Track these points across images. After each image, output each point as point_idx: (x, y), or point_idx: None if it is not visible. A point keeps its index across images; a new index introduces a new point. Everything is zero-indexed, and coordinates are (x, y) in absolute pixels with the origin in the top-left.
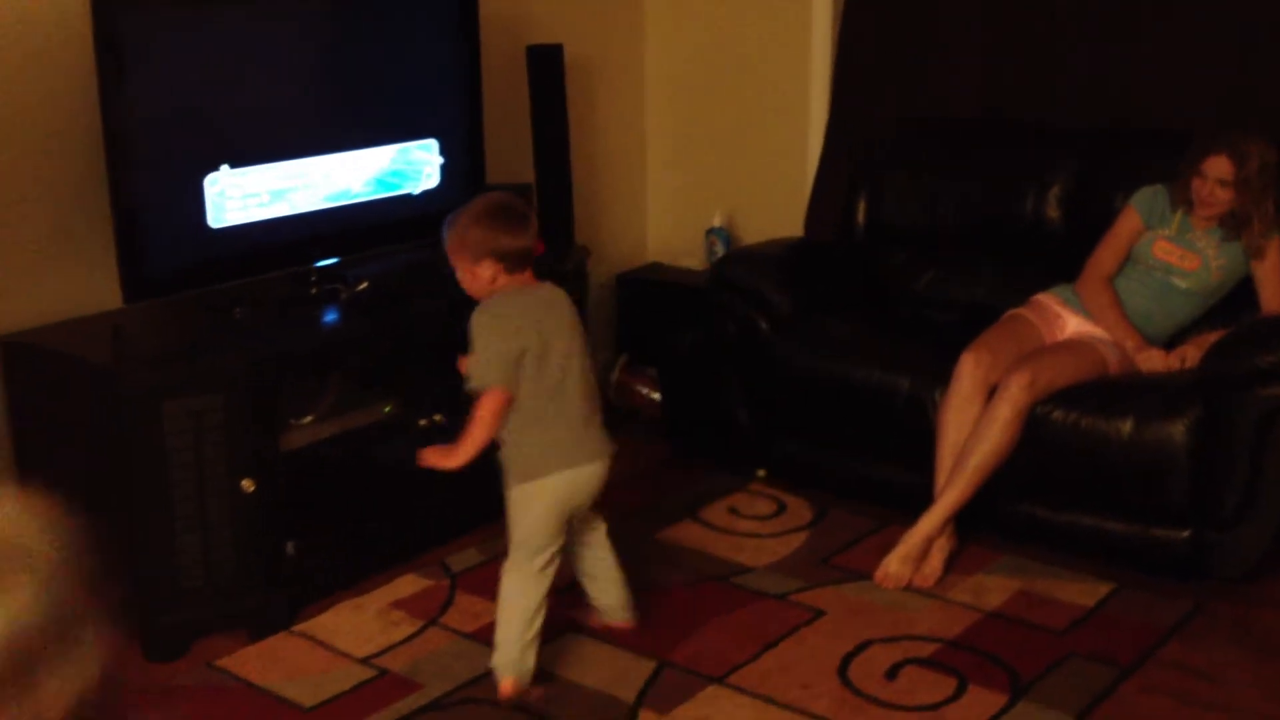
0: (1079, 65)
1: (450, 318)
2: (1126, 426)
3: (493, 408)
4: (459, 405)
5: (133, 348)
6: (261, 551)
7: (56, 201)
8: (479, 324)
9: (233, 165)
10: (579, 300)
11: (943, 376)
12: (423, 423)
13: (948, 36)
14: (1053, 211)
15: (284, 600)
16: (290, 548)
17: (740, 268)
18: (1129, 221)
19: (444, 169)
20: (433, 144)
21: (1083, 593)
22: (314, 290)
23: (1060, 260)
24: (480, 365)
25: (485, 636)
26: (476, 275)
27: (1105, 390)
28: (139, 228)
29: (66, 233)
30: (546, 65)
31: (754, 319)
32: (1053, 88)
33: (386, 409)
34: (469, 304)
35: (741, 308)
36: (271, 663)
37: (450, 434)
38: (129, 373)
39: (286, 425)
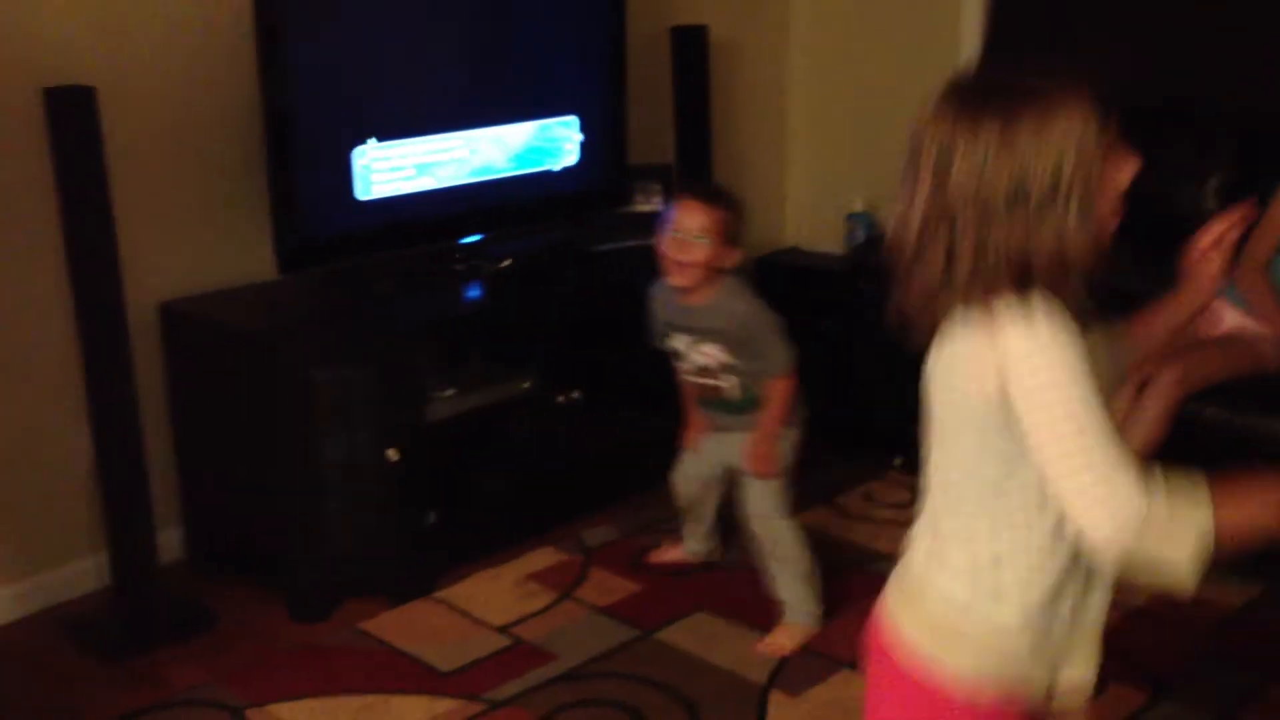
0: (1238, 46)
1: (589, 296)
2: None
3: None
4: (596, 382)
5: (285, 317)
6: (404, 519)
7: (218, 177)
8: (761, 310)
9: (380, 139)
10: None
11: None
12: (560, 399)
13: (1104, 17)
14: (1210, 199)
15: (424, 567)
16: (432, 517)
17: (879, 251)
18: None
19: (586, 147)
20: (574, 121)
21: (1229, 594)
22: (458, 266)
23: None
24: (784, 349)
25: (618, 611)
26: (725, 257)
27: (1263, 387)
28: (292, 200)
29: (225, 206)
30: (690, 46)
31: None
32: (1216, 69)
33: (525, 385)
34: (611, 283)
35: (881, 294)
36: (411, 627)
37: (589, 411)
38: (281, 341)
39: (429, 397)
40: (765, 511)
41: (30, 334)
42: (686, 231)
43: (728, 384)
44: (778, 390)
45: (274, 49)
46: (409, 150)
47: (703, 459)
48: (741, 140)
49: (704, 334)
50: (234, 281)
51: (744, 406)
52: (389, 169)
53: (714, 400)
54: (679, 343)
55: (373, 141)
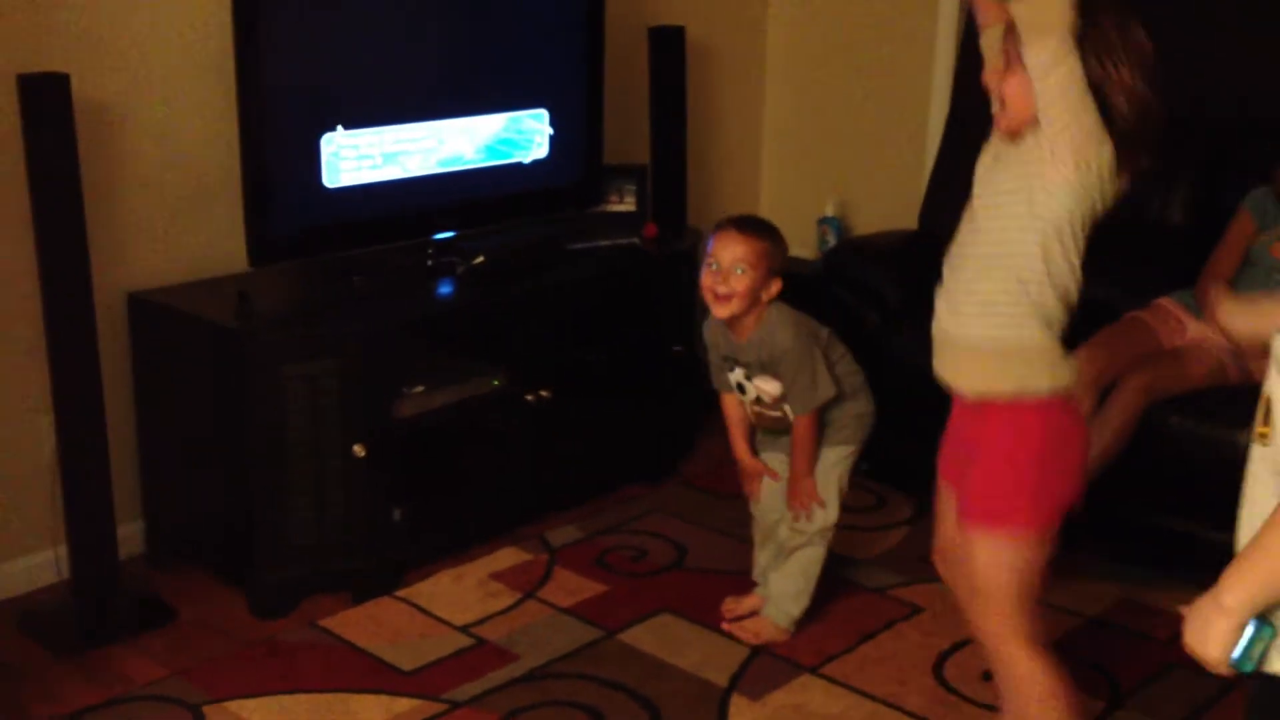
0: (1206, 59)
1: (561, 295)
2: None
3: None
4: (566, 382)
5: (255, 310)
6: (369, 516)
7: (192, 167)
8: (806, 342)
9: (347, 127)
10: (690, 284)
11: None
12: (530, 398)
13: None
14: (1177, 212)
15: (388, 565)
16: (397, 514)
17: (852, 258)
18: (1242, 224)
19: (560, 144)
20: (544, 114)
21: (1188, 603)
22: (431, 262)
23: (1187, 262)
24: (815, 387)
25: (581, 611)
26: (770, 288)
27: (1226, 397)
28: (265, 190)
29: (198, 197)
30: (668, 47)
31: (864, 311)
32: (1185, 81)
33: (495, 382)
34: (584, 283)
35: (851, 300)
36: (373, 625)
37: (558, 411)
38: (250, 334)
39: (398, 394)
40: (808, 528)
41: None
42: (724, 263)
43: (786, 412)
44: (799, 430)
45: (250, 35)
46: (377, 138)
47: (767, 508)
48: (717, 142)
49: (752, 364)
50: (205, 273)
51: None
52: (356, 156)
53: (782, 431)
54: (737, 375)
55: (340, 129)
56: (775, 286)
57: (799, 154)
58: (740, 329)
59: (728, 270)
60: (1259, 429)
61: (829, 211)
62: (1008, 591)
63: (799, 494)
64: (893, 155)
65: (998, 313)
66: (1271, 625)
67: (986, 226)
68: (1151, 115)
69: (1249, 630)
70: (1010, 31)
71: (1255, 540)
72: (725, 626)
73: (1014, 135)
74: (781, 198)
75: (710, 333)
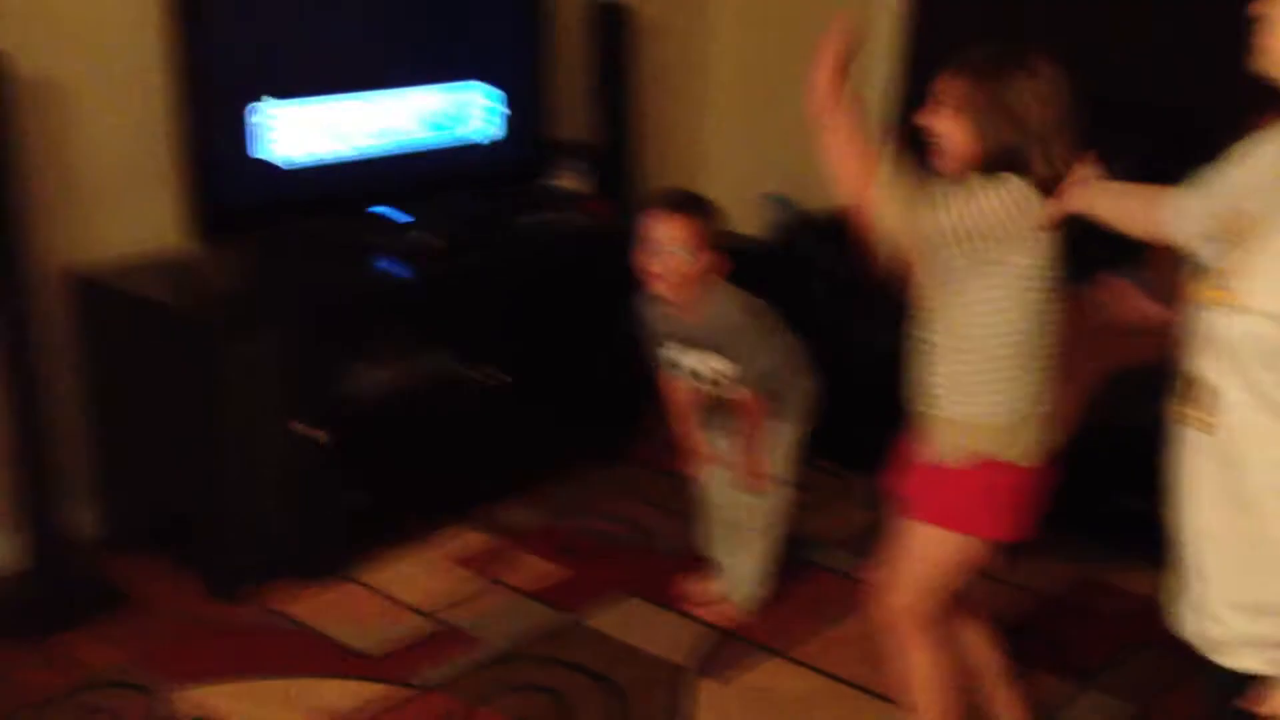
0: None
1: (513, 272)
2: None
3: None
4: (520, 363)
5: (200, 289)
6: (324, 499)
7: (128, 142)
8: (753, 317)
9: (278, 96)
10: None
11: None
12: (484, 379)
13: (1018, 15)
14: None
15: (344, 549)
16: (353, 497)
17: (799, 235)
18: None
19: (504, 117)
20: (485, 88)
21: (1149, 583)
22: (378, 239)
23: (1126, 249)
24: (764, 359)
25: (544, 595)
26: (704, 264)
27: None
28: (202, 163)
29: (138, 172)
30: (612, 24)
31: (813, 287)
32: (1129, 66)
33: (449, 364)
34: (535, 258)
35: (800, 275)
36: (330, 609)
37: (514, 392)
38: (197, 315)
39: (350, 374)
40: (761, 505)
41: None
42: (659, 243)
43: (735, 394)
44: (751, 406)
45: (185, 5)
46: (315, 111)
47: (716, 491)
48: (661, 120)
49: (699, 344)
50: (149, 251)
51: None
52: (293, 129)
53: (721, 410)
54: (676, 354)
55: (269, 99)
56: (713, 260)
57: (745, 129)
58: (688, 309)
59: (662, 249)
60: (1199, 415)
61: (775, 188)
62: (928, 577)
63: (752, 471)
64: None
65: None
66: None
67: None
68: (1067, 146)
69: None
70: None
71: None
72: (688, 608)
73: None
74: (728, 173)
75: (645, 311)
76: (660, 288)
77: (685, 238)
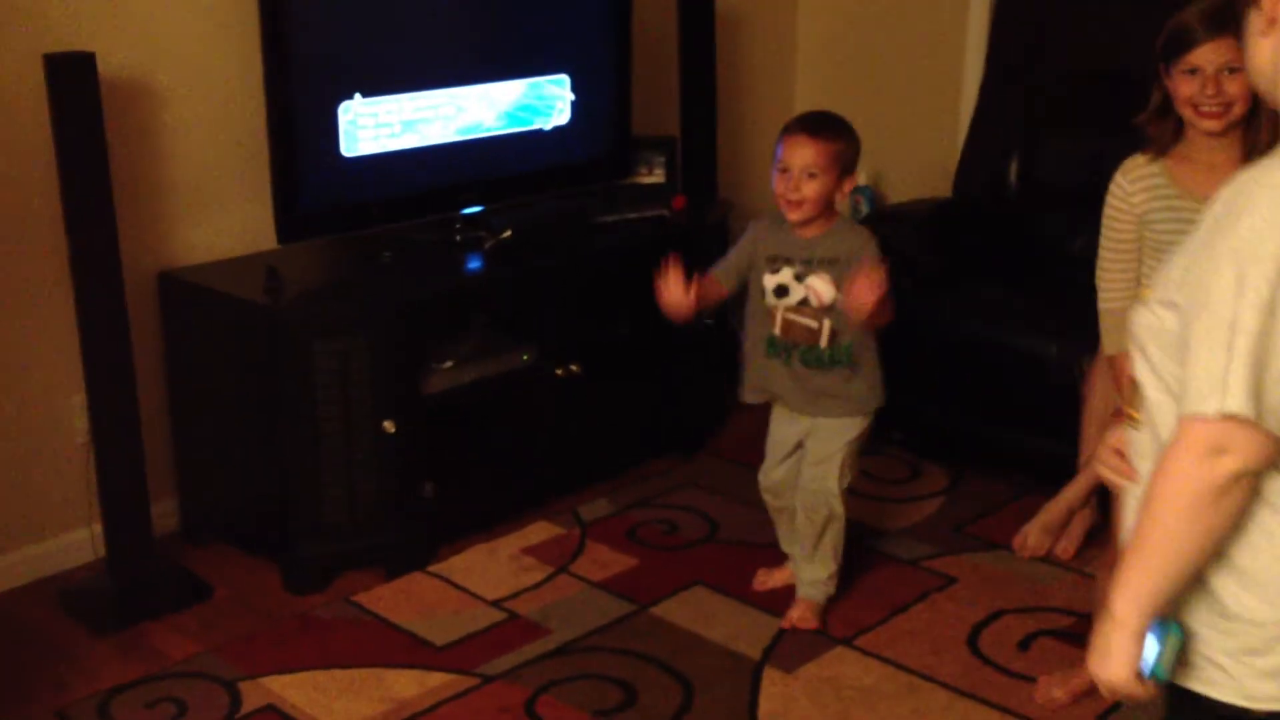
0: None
1: (590, 268)
2: None
3: None
4: (595, 356)
5: (285, 287)
6: (400, 491)
7: (220, 144)
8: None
9: (365, 94)
10: (720, 253)
11: (1093, 343)
12: (559, 372)
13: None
14: None
15: (420, 540)
16: (428, 489)
17: (885, 226)
18: None
19: (588, 114)
20: (565, 80)
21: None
22: (459, 237)
23: None
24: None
25: (613, 585)
26: (844, 188)
27: None
28: (292, 168)
29: (226, 175)
30: (697, 17)
31: (898, 279)
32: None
33: (525, 357)
34: (613, 256)
35: (886, 267)
36: (406, 600)
37: (588, 385)
38: (279, 312)
39: (428, 369)
40: (826, 487)
41: (28, 303)
42: (794, 168)
43: (823, 326)
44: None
45: (274, 4)
46: (396, 106)
47: (778, 445)
48: (747, 111)
49: (817, 265)
50: (234, 251)
51: (833, 359)
52: (375, 125)
53: (802, 349)
54: (784, 276)
55: (358, 96)
56: (848, 185)
57: None
58: (806, 228)
59: (798, 176)
60: (1132, 412)
61: (862, 180)
62: None
63: (868, 286)
64: (926, 123)
65: None
66: (1176, 625)
67: None
68: None
69: (1152, 637)
70: None
71: (1131, 541)
72: (759, 596)
73: None
74: None
75: (759, 229)
76: (795, 213)
77: (824, 164)
